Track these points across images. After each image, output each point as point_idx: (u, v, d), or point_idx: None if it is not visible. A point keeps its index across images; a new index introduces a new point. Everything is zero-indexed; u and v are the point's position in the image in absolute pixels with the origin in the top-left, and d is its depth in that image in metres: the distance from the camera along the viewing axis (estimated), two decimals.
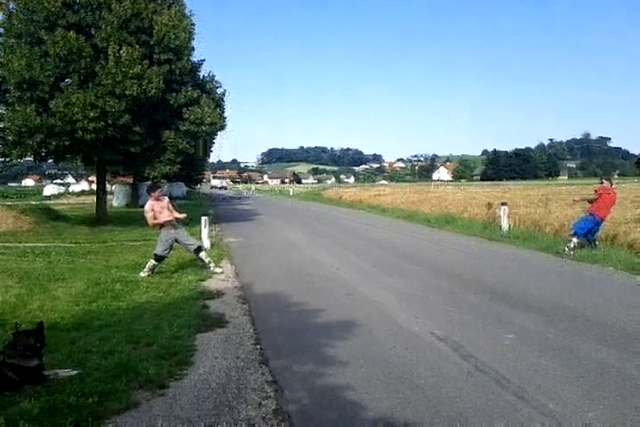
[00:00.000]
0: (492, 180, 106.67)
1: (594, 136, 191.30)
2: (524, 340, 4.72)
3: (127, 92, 14.15)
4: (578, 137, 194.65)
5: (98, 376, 3.78)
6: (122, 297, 6.50)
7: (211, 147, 37.72)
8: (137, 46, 14.48)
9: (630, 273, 7.93)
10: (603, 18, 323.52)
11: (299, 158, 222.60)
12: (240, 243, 12.63)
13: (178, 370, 4.03)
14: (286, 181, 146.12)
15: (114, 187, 37.14)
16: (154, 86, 14.44)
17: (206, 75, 19.40)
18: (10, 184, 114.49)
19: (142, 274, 7.90)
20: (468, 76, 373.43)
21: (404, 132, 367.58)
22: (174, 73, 15.71)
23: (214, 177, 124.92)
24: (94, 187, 24.05)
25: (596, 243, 9.79)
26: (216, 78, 19.49)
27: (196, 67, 18.25)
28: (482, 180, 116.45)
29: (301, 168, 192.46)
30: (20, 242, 12.55)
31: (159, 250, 8.08)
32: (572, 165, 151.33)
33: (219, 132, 20.09)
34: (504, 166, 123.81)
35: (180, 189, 45.19)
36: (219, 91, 19.37)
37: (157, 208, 8.08)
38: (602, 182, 10.02)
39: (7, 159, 16.75)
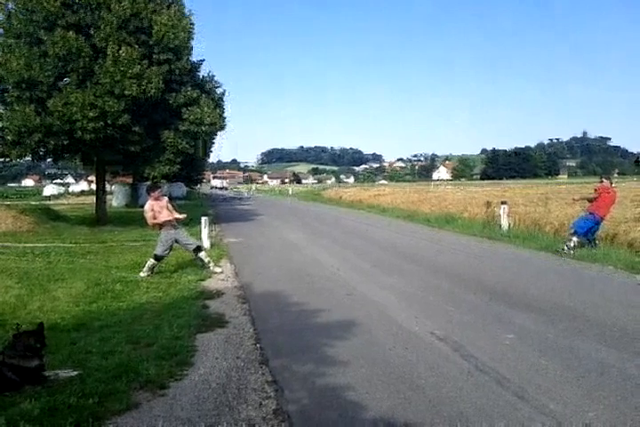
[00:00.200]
0: (492, 179, 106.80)
1: (593, 135, 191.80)
2: (524, 340, 4.71)
3: (126, 92, 14.16)
4: (577, 136, 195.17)
5: (98, 377, 3.78)
6: (122, 297, 6.50)
7: (210, 147, 37.81)
8: (136, 46, 14.48)
9: (630, 272, 7.92)
10: (602, 17, 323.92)
11: (299, 158, 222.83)
12: (240, 243, 12.63)
13: (178, 370, 4.02)
14: (286, 181, 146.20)
15: (113, 187, 37.15)
16: (153, 86, 14.45)
17: (206, 75, 19.34)
18: (9, 184, 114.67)
19: (142, 274, 7.90)
20: (467, 75, 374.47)
21: (404, 132, 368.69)
22: (174, 73, 15.70)
23: (214, 177, 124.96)
24: (94, 187, 24.03)
25: (596, 242, 9.78)
26: (216, 78, 19.39)
27: (195, 67, 18.20)
28: (481, 179, 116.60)
29: (301, 168, 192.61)
30: (19, 242, 12.55)
31: (159, 250, 8.10)
32: (571, 163, 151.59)
33: (218, 133, 20.04)
34: (504, 165, 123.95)
35: (180, 189, 45.26)
36: (218, 91, 19.30)
37: (157, 208, 8.09)
38: (601, 181, 10.01)
39: (6, 159, 16.75)
